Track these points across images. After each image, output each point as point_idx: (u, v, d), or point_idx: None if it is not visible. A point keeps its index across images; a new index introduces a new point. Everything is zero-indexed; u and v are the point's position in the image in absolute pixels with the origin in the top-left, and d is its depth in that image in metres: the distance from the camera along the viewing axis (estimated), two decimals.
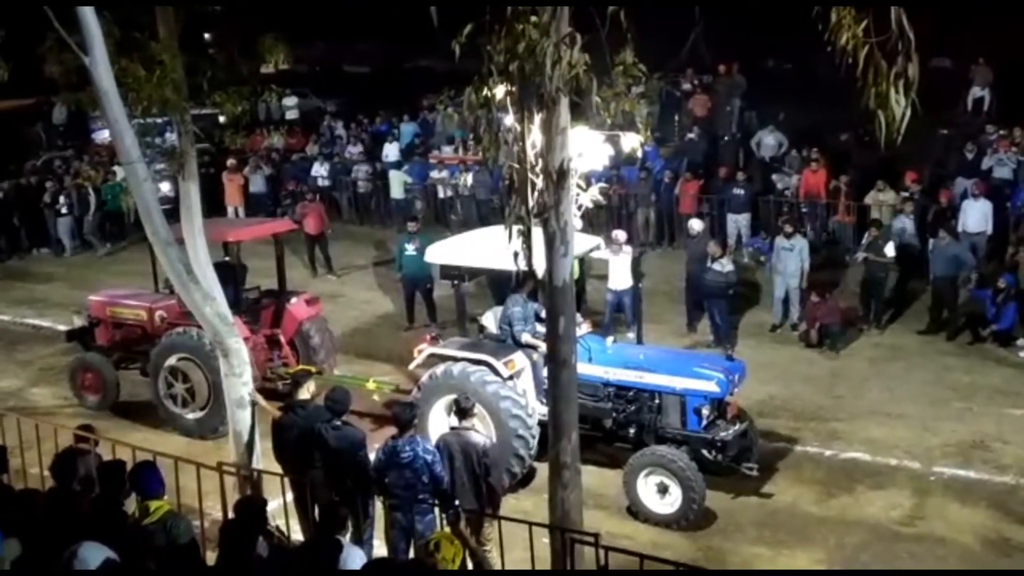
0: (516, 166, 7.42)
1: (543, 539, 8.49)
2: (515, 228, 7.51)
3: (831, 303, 15.87)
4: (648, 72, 7.48)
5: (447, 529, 8.41)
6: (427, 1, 6.37)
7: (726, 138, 23.39)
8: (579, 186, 7.83)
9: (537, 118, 7.28)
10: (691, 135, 23.18)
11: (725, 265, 15.64)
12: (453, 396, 11.17)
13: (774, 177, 21.13)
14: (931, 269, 16.40)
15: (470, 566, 8.76)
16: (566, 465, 8.37)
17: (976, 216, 17.63)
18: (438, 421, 11.51)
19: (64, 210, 23.07)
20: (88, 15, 8.11)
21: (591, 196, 8.03)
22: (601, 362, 11.78)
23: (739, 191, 20.26)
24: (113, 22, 8.59)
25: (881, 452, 12.36)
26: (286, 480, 9.63)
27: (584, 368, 11.59)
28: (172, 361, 13.31)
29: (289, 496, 9.65)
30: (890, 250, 16.40)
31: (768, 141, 22.44)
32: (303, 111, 31.14)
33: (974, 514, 10.95)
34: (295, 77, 31.81)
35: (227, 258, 14.07)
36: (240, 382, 9.91)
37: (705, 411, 11.34)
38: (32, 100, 28.40)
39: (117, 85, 8.52)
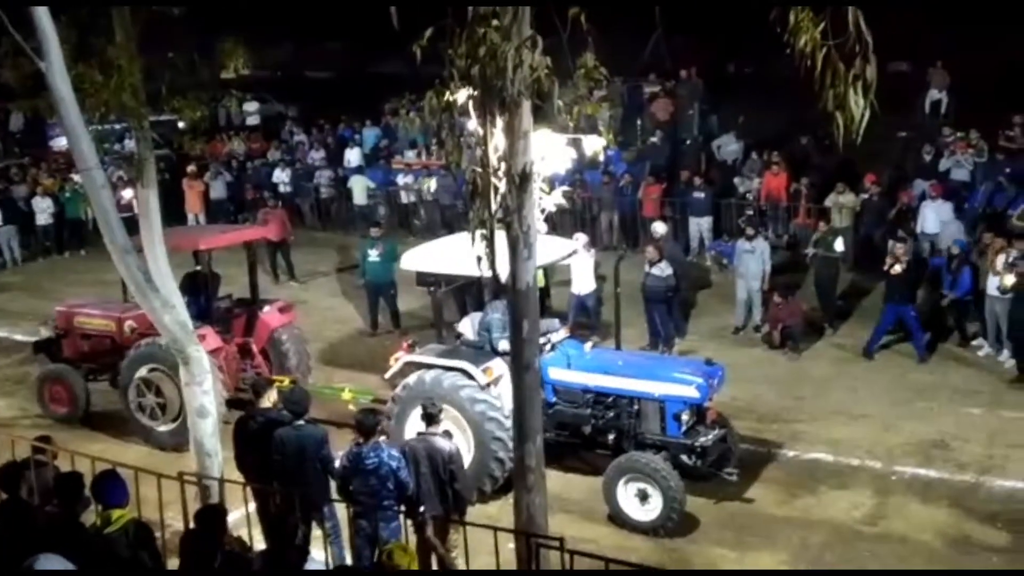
0: (479, 170, 7.40)
1: (509, 544, 8.48)
2: (478, 232, 7.49)
3: (793, 305, 16.00)
4: (610, 76, 7.50)
5: (402, 539, 8.38)
6: (387, 3, 6.32)
7: (688, 142, 23.55)
8: (542, 189, 7.83)
9: (499, 122, 7.27)
10: (653, 139, 23.32)
11: (664, 269, 15.63)
12: None
13: (735, 180, 21.29)
14: None
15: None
16: (531, 469, 8.35)
17: (933, 217, 17.84)
18: (416, 428, 11.37)
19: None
20: (43, 19, 7.99)
21: (554, 199, 8.03)
22: (580, 368, 11.68)
23: (700, 194, 20.42)
24: (70, 27, 8.46)
25: (843, 452, 12.46)
26: (248, 490, 9.54)
27: (563, 374, 11.59)
28: (143, 372, 13.04)
29: (252, 506, 9.56)
30: (839, 245, 16.58)
31: (730, 146, 22.62)
32: (264, 116, 30.97)
33: (935, 513, 11.05)
34: (256, 82, 31.67)
35: (199, 267, 13.89)
36: (200, 390, 9.79)
37: (685, 416, 11.26)
38: None
39: (74, 91, 8.39)
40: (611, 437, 11.53)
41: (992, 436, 12.74)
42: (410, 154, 25.21)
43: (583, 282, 15.89)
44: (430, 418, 9.49)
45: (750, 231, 16.81)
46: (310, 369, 14.62)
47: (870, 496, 11.46)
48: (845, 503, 11.32)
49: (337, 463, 9.21)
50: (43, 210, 23.16)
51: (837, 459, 12.33)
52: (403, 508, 8.92)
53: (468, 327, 12.43)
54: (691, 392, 11.17)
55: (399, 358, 12.00)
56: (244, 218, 23.87)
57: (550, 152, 7.76)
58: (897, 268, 15.22)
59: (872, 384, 14.58)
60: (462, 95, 7.11)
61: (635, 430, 11.43)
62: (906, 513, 11.08)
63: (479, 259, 7.56)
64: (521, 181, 7.43)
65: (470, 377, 11.26)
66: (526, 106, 7.18)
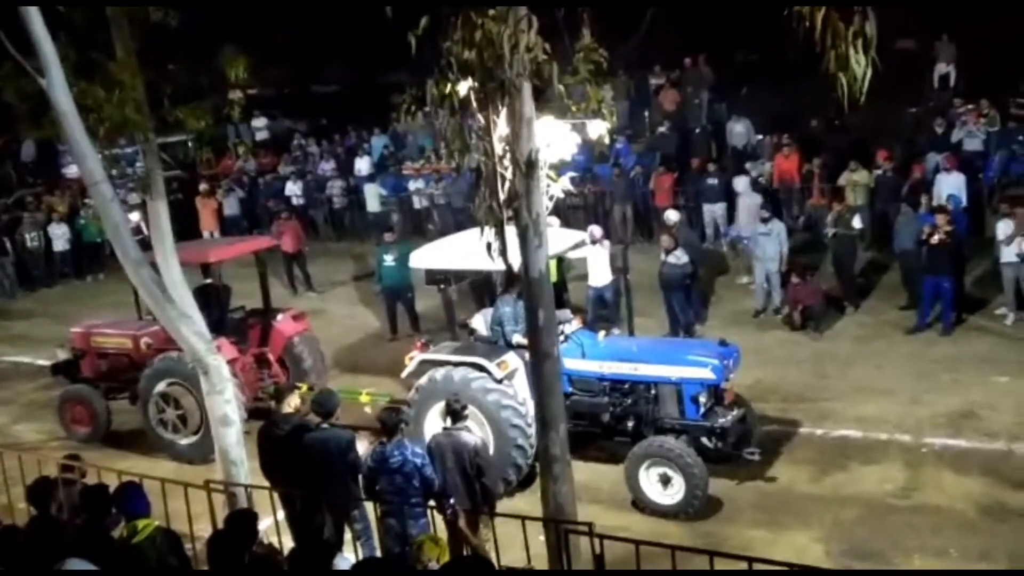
0: (484, 159, 7.39)
1: (540, 537, 8.46)
2: (488, 221, 7.47)
3: (812, 285, 15.91)
4: (610, 60, 7.46)
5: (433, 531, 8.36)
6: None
7: (697, 130, 23.47)
8: (549, 176, 7.80)
9: (502, 110, 7.24)
10: (662, 129, 23.27)
11: (680, 257, 15.58)
12: None
13: (747, 165, 21.18)
14: (896, 243, 16.40)
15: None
16: (556, 458, 8.34)
17: (949, 189, 17.66)
18: (434, 426, 11.39)
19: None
20: (42, 37, 8.03)
21: (561, 186, 8.01)
22: (594, 356, 11.66)
23: (713, 181, 20.34)
24: (69, 44, 8.49)
25: (872, 428, 12.36)
26: (277, 497, 9.53)
27: (578, 364, 11.55)
28: (161, 387, 13.12)
29: (280, 514, 9.56)
30: (857, 223, 16.46)
31: (738, 129, 22.54)
32: (274, 132, 31.06)
33: (968, 482, 10.94)
34: (263, 100, 31.74)
35: (209, 280, 13.93)
36: (222, 399, 9.78)
37: (702, 398, 11.22)
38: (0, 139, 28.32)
39: (77, 108, 8.42)
40: (630, 424, 11.51)
41: (1021, 403, 12.60)
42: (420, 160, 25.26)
43: (600, 275, 15.83)
44: (455, 414, 9.47)
45: (765, 214, 16.74)
46: (328, 375, 14.62)
47: (901, 469, 11.37)
48: (876, 478, 11.22)
49: (362, 457, 9.22)
50: (59, 236, 23.36)
51: (866, 435, 12.23)
52: (431, 504, 8.90)
53: (481, 323, 12.45)
54: (707, 374, 11.13)
55: (414, 357, 12.01)
56: (259, 232, 23.96)
57: (554, 138, 7.73)
58: (936, 238, 14.78)
59: (896, 359, 14.46)
60: (463, 87, 7.09)
61: (654, 415, 11.39)
62: (939, 484, 10.98)
63: (488, 248, 7.54)
64: (527, 168, 7.41)
65: (485, 371, 11.25)
66: (527, 90, 7.16)
